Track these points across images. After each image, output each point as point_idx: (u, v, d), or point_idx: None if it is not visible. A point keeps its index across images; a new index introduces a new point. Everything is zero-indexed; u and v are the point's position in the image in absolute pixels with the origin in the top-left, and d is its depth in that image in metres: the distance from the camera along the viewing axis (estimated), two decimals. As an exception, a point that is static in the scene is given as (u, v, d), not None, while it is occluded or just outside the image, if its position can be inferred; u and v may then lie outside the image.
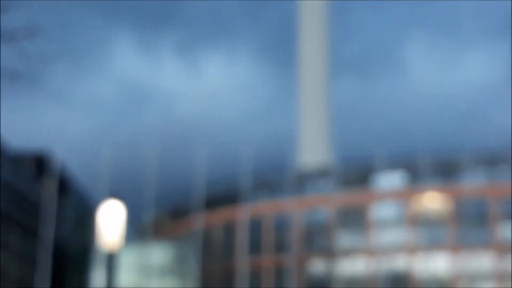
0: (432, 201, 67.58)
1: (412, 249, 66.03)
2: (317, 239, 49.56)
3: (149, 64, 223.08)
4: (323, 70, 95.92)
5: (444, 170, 68.68)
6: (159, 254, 70.36)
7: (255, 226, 75.53)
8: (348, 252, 43.12)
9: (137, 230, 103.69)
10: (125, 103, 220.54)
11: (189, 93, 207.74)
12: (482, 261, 64.13)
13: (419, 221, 66.64)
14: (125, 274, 60.86)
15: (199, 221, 20.46)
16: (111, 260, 11.71)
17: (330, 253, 39.13)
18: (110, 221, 11.66)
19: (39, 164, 75.78)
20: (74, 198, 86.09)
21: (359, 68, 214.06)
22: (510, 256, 65.52)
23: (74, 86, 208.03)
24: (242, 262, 23.86)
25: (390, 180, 69.81)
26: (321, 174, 72.60)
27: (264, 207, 75.68)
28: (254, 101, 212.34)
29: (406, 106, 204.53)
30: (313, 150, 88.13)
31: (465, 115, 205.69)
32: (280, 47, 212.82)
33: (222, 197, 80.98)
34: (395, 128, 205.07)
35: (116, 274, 11.61)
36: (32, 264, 69.41)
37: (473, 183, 66.20)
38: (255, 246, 75.18)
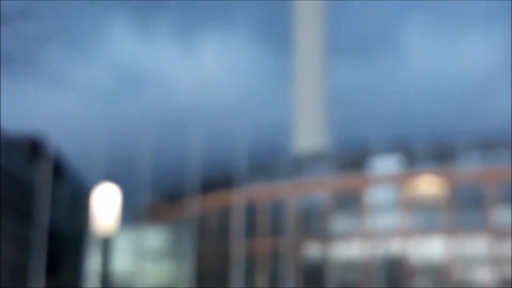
0: (428, 185, 67.80)
1: (407, 233, 66.34)
2: (313, 223, 49.74)
3: (146, 48, 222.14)
4: (319, 53, 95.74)
5: (440, 154, 68.80)
6: (154, 237, 70.59)
7: (251, 210, 75.75)
8: (344, 236, 43.32)
9: (132, 214, 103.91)
10: (121, 87, 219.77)
11: (185, 77, 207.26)
12: (478, 245, 64.55)
13: (415, 205, 66.88)
14: (120, 258, 61.14)
15: (194, 205, 20.61)
16: (106, 243, 11.73)
17: (325, 237, 39.30)
18: (105, 205, 11.66)
19: (34, 147, 75.67)
20: (68, 181, 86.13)
21: (356, 52, 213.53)
22: (505, 240, 65.99)
23: (70, 70, 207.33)
24: (237, 246, 24.05)
25: (386, 164, 69.96)
26: (317, 158, 72.70)
27: (259, 191, 75.81)
28: (250, 85, 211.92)
29: (403, 90, 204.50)
30: (309, 134, 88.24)
31: (463, 99, 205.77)
32: (277, 31, 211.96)
33: (218, 181, 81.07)
34: (392, 112, 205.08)
35: (111, 257, 11.65)
36: (27, 247, 69.59)
37: (469, 167, 66.43)
38: (251, 230, 75.47)
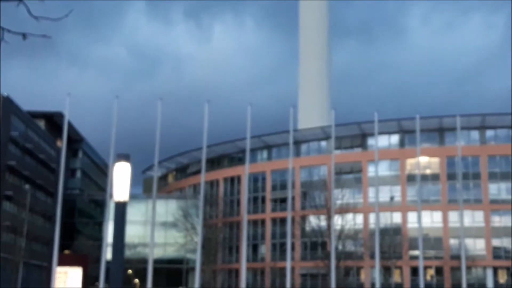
0: (426, 161, 68.33)
1: (406, 207, 67.06)
2: (315, 197, 50.35)
3: (160, 28, 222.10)
4: (324, 34, 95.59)
5: (439, 132, 69.24)
6: (164, 209, 71.58)
7: (256, 184, 76.65)
8: (344, 209, 43.98)
9: (143, 186, 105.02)
10: (136, 65, 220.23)
11: (197, 55, 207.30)
12: (474, 218, 65.18)
13: (413, 180, 67.47)
14: (132, 227, 62.16)
15: (203, 178, 20.92)
16: (119, 213, 12.44)
17: (327, 210, 39.94)
18: (119, 177, 12.29)
19: (51, 122, 76.54)
20: (84, 155, 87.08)
21: (360, 33, 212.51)
22: (500, 213, 66.64)
23: (87, 48, 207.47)
24: (243, 218, 24.45)
25: (385, 141, 70.43)
26: (320, 135, 73.21)
27: (265, 166, 76.64)
28: (259, 64, 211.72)
29: (405, 70, 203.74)
30: (312, 112, 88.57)
31: (463, 79, 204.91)
32: (285, 12, 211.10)
33: (226, 155, 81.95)
34: (393, 91, 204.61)
35: (123, 227, 12.31)
36: (44, 217, 70.72)
37: (466, 144, 66.81)
38: (256, 203, 76.42)
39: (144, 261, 56.58)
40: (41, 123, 73.98)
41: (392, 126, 68.96)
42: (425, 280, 55.63)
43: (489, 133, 69.48)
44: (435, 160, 68.48)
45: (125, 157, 12.75)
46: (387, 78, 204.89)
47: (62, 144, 18.77)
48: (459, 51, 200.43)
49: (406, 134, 70.05)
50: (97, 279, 21.54)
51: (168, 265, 74.13)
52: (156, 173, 20.79)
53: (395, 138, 71.11)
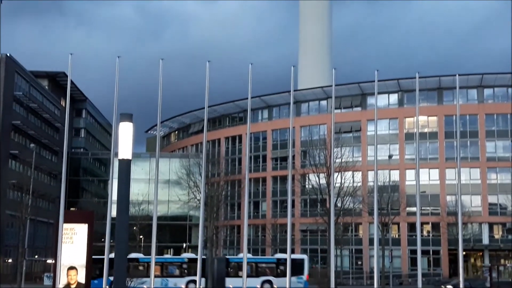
0: (424, 119, 68.26)
1: (404, 165, 67.35)
2: (315, 155, 50.40)
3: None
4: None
5: (438, 91, 68.99)
6: (167, 167, 71.94)
7: (257, 143, 76.86)
8: (344, 168, 44.21)
9: (147, 146, 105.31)
10: (142, 25, 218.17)
11: (202, 16, 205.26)
12: (471, 175, 65.48)
13: (411, 139, 67.56)
14: (136, 185, 62.59)
15: (205, 137, 20.87)
16: (124, 171, 12.51)
17: (326, 168, 40.13)
18: (122, 136, 12.32)
19: (55, 82, 76.24)
20: (88, 115, 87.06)
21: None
22: (496, 170, 66.94)
23: (94, 9, 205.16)
24: (245, 176, 24.46)
25: (385, 100, 70.25)
26: (320, 94, 72.99)
27: (265, 125, 76.67)
28: (262, 24, 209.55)
29: (406, 30, 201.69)
30: (312, 72, 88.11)
31: (464, 39, 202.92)
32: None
33: (227, 115, 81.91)
34: (394, 51, 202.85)
35: (128, 185, 12.41)
36: (50, 176, 71.17)
37: (464, 103, 66.69)
38: (257, 162, 76.77)
39: (148, 218, 57.27)
40: (45, 83, 73.75)
41: (391, 86, 68.73)
42: (421, 235, 56.25)
43: (488, 91, 69.25)
44: (434, 119, 68.44)
45: (128, 116, 12.76)
46: (389, 39, 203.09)
47: (66, 103, 18.75)
48: (461, 11, 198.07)
49: (406, 93, 69.86)
50: (103, 235, 21.80)
51: (172, 222, 74.96)
52: (158, 132, 20.83)
53: (394, 98, 70.93)
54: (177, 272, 49.17)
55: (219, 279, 47.79)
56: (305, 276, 48.98)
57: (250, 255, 50.73)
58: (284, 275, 48.22)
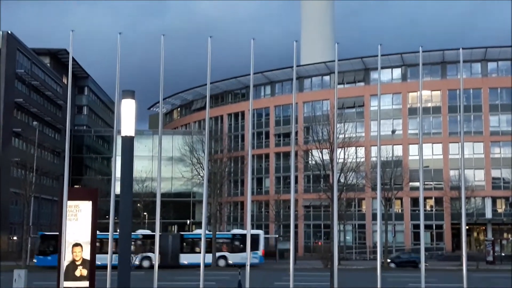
0: (428, 94, 68.01)
1: (407, 140, 67.30)
2: (318, 131, 50.16)
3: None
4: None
5: (441, 66, 68.61)
6: (170, 144, 72.05)
7: (260, 119, 76.74)
8: (347, 143, 44.02)
9: (149, 123, 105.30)
10: (145, 1, 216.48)
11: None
12: (474, 149, 65.44)
13: (415, 113, 67.41)
14: (139, 162, 62.80)
15: (207, 114, 20.77)
16: (127, 148, 12.51)
17: (329, 144, 40.01)
18: (125, 113, 12.31)
19: (56, 59, 75.99)
20: (91, 92, 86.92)
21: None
22: (500, 144, 66.86)
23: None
24: (248, 152, 24.45)
25: (388, 75, 69.95)
26: (323, 70, 72.69)
27: (268, 102, 76.49)
28: (265, 1, 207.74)
29: (410, 4, 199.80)
30: (315, 47, 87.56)
31: (469, 13, 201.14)
32: None
33: (230, 91, 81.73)
34: (398, 26, 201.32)
35: (131, 162, 12.42)
36: (53, 153, 71.32)
37: (468, 77, 66.39)
38: (260, 138, 76.75)
39: (152, 195, 57.54)
40: (46, 61, 73.52)
41: (395, 60, 68.37)
42: (424, 210, 56.38)
43: (491, 65, 68.84)
44: (437, 93, 68.19)
45: (130, 93, 12.72)
46: (392, 13, 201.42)
47: (68, 81, 18.73)
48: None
49: (409, 67, 69.53)
50: (107, 213, 21.86)
51: (175, 198, 75.28)
52: (161, 109, 20.79)
53: (397, 72, 70.62)
54: (131, 248, 49.22)
55: (174, 255, 47.98)
56: (260, 252, 49.20)
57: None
58: (239, 251, 49.00)
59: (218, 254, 49.01)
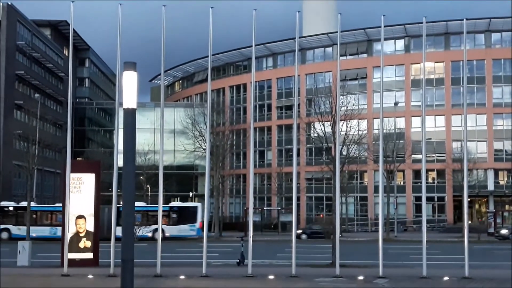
0: (431, 65, 67.72)
1: (410, 112, 67.19)
2: (320, 104, 49.98)
3: None
4: None
5: (444, 37, 68.16)
6: (172, 117, 72.00)
7: (262, 92, 76.54)
8: (349, 116, 43.88)
9: (151, 95, 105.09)
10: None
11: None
12: (477, 121, 65.34)
13: (418, 85, 67.18)
14: (141, 135, 62.82)
15: (209, 86, 20.61)
16: (129, 120, 12.51)
17: (332, 116, 39.89)
18: (126, 85, 12.28)
19: (57, 31, 75.56)
20: (92, 64, 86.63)
21: None
22: (502, 116, 66.74)
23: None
24: (250, 125, 24.44)
25: (391, 47, 69.54)
26: (325, 41, 72.23)
27: (270, 74, 76.21)
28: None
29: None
30: (317, 19, 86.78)
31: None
32: None
33: (231, 63, 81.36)
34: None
35: (133, 134, 12.43)
36: (55, 126, 71.36)
37: (471, 48, 65.94)
38: (262, 111, 76.63)
39: (155, 167, 57.68)
40: (47, 32, 73.11)
41: (398, 31, 67.89)
42: (426, 182, 56.51)
43: (495, 36, 68.34)
44: (440, 64, 67.86)
45: (131, 65, 12.66)
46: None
47: (69, 53, 18.65)
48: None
49: (412, 39, 69.08)
50: (110, 185, 22.03)
51: (178, 171, 75.54)
52: (163, 81, 20.69)
53: (401, 43, 70.17)
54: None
55: (109, 227, 47.34)
56: (198, 224, 49.10)
57: (143, 203, 50.34)
58: (176, 223, 49.17)
59: (155, 227, 43.47)
